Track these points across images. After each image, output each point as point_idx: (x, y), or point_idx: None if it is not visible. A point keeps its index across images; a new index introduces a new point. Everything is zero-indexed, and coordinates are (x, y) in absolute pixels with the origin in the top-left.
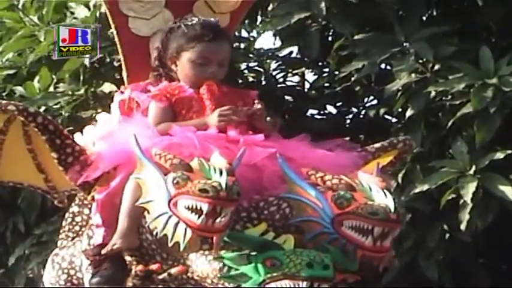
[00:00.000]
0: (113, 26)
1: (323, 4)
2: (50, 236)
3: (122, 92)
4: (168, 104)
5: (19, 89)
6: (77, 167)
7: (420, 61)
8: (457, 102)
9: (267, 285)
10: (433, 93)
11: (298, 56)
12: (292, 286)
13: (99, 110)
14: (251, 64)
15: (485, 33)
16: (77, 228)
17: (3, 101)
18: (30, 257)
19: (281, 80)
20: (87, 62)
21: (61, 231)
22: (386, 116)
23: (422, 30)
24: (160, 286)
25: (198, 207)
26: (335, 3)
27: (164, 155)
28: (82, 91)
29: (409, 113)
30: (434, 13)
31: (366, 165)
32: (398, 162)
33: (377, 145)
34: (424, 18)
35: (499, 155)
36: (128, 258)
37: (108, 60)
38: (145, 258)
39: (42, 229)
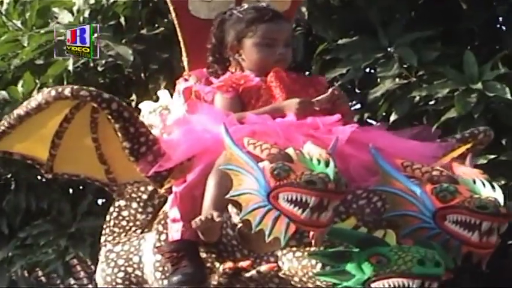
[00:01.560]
0: (171, 8)
1: (304, 8)
2: (34, 239)
3: (186, 80)
4: (235, 94)
5: (2, 93)
6: (150, 157)
7: (404, 66)
8: (441, 107)
9: (372, 284)
10: (417, 98)
11: None
12: (401, 285)
13: None
14: None
15: (468, 37)
16: (124, 223)
17: (75, 86)
18: (14, 259)
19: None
20: (70, 67)
21: (105, 226)
22: (370, 121)
23: (406, 34)
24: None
25: (303, 200)
26: (317, 7)
27: (260, 144)
28: None
29: (393, 117)
30: (418, 17)
31: (445, 156)
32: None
33: (458, 136)
34: (408, 22)
35: (482, 160)
36: (203, 255)
37: (92, 65)
38: (222, 255)
39: (26, 232)
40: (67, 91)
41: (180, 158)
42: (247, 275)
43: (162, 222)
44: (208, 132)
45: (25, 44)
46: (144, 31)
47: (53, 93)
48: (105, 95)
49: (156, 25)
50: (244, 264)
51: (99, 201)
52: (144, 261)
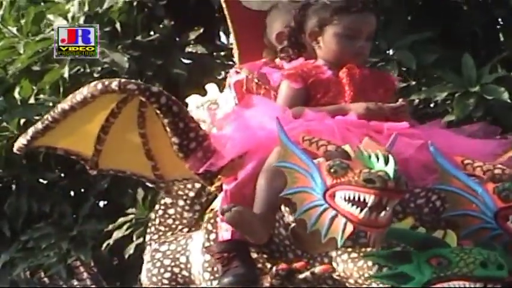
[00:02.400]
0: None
1: None
2: (36, 242)
3: (238, 72)
4: (303, 85)
5: None
6: (200, 153)
7: (404, 69)
8: (440, 110)
9: (432, 286)
10: (416, 101)
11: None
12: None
13: None
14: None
15: (467, 40)
16: (170, 221)
17: (123, 80)
18: (16, 262)
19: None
20: (66, 74)
21: (150, 224)
22: None
23: (405, 37)
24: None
25: (362, 199)
26: None
27: (316, 141)
28: None
29: None
30: (416, 20)
31: (506, 153)
32: None
33: None
34: (406, 25)
35: None
36: (254, 255)
37: (88, 70)
38: (274, 256)
39: (28, 235)
40: (114, 84)
41: (231, 155)
42: (301, 276)
43: (212, 221)
44: (262, 127)
45: (21, 51)
46: (139, 37)
47: (100, 86)
48: (154, 88)
49: (152, 31)
50: (298, 265)
51: (101, 204)
52: (192, 261)
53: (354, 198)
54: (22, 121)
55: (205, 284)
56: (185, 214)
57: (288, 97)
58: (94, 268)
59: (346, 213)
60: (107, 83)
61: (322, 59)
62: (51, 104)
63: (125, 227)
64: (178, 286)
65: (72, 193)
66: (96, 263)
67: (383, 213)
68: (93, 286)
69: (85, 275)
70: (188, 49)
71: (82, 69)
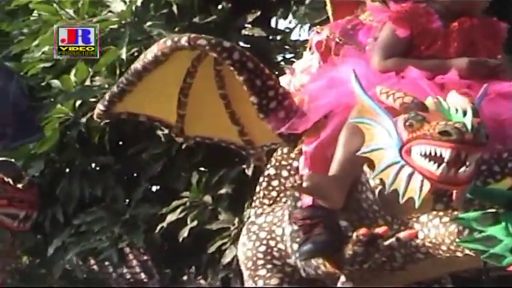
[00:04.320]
0: None
1: None
2: (88, 226)
3: (318, 33)
4: (408, 34)
5: (55, 82)
6: (281, 113)
7: None
8: None
9: None
10: None
11: None
12: None
13: None
14: (287, 55)
15: None
16: (274, 193)
17: (192, 35)
18: (69, 247)
19: None
20: (123, 55)
21: (255, 198)
22: None
23: None
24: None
25: (438, 154)
26: None
27: (392, 93)
28: None
29: None
30: None
31: None
32: None
33: None
34: None
35: None
36: (343, 223)
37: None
38: (364, 222)
39: (80, 219)
40: (183, 40)
41: (315, 117)
42: (386, 243)
43: None
44: (346, 85)
45: None
46: (196, 19)
47: (169, 43)
48: (225, 43)
49: (209, 14)
50: (380, 230)
51: (154, 189)
52: (287, 233)
53: (430, 153)
54: (78, 103)
55: (294, 256)
56: (288, 185)
57: (389, 45)
58: (145, 254)
59: (423, 170)
60: (176, 39)
61: (434, 3)
62: (107, 86)
63: (178, 210)
64: (273, 261)
65: (124, 177)
66: (148, 247)
67: (462, 169)
68: (142, 274)
69: (134, 262)
70: (245, 32)
71: (138, 51)
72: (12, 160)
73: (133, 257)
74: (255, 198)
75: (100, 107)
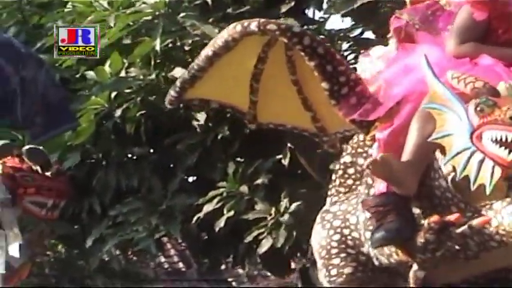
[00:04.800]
0: None
1: None
2: (125, 217)
3: (398, 18)
4: (486, 17)
5: (90, 74)
6: (353, 99)
7: None
8: None
9: None
10: None
11: (370, 36)
12: None
13: None
14: None
15: None
16: (350, 181)
17: (262, 19)
18: (106, 238)
19: (352, 60)
20: (158, 46)
21: (330, 186)
22: None
23: None
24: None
25: (509, 140)
26: None
27: (464, 78)
28: (153, 76)
29: None
30: None
31: None
32: None
33: None
34: None
35: None
36: (416, 211)
37: (178, 44)
38: (437, 210)
39: (117, 210)
40: (253, 25)
41: (388, 104)
42: (459, 230)
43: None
44: (420, 72)
45: (112, 24)
46: (230, 10)
47: (239, 28)
48: (295, 28)
49: (243, 4)
50: (452, 217)
51: (190, 179)
52: (361, 221)
53: (501, 138)
54: (113, 95)
55: (367, 244)
56: (365, 173)
57: (465, 29)
58: (182, 243)
59: (493, 156)
60: (246, 24)
61: None
62: (141, 77)
63: (215, 200)
64: (348, 250)
65: (161, 168)
66: (185, 237)
67: None
68: (180, 264)
69: (172, 251)
70: None
71: (172, 42)
72: (41, 148)
73: (171, 247)
74: (330, 186)
75: (172, 93)
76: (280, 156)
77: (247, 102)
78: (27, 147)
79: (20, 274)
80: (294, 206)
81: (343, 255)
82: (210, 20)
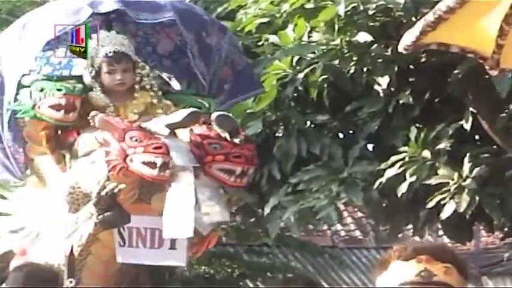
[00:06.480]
0: None
1: None
2: (305, 184)
3: None
4: None
5: (273, 38)
6: None
7: None
8: None
9: None
10: None
11: None
12: None
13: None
14: None
15: None
16: None
17: None
18: (286, 205)
19: None
20: (341, 11)
21: None
22: None
23: None
24: None
25: None
26: None
27: None
28: (337, 41)
29: None
30: None
31: None
32: None
33: None
34: None
35: None
36: None
37: (362, 8)
38: None
39: (298, 178)
40: None
41: None
42: None
43: None
44: None
45: None
46: None
47: None
48: None
49: None
50: None
51: (370, 147)
52: None
53: None
54: (295, 59)
55: None
56: None
57: None
58: (360, 211)
59: None
60: None
61: None
62: (324, 42)
63: (397, 165)
64: None
65: (341, 135)
66: (366, 204)
67: None
68: (357, 232)
69: (349, 219)
70: None
71: (355, 7)
72: (230, 114)
73: (348, 215)
74: None
75: (410, 38)
76: (461, 121)
77: (492, 46)
78: (216, 113)
79: (209, 241)
80: (476, 170)
81: None
82: None
